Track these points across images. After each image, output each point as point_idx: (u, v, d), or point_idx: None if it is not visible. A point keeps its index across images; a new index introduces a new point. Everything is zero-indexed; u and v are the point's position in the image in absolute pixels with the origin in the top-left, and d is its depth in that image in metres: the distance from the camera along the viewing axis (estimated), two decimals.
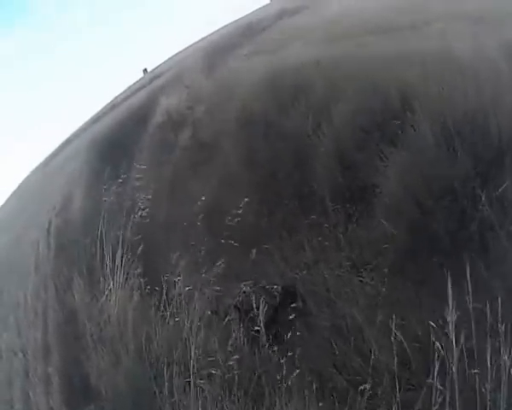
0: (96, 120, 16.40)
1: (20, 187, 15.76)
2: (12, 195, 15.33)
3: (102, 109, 17.26)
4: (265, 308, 4.56)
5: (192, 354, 4.37)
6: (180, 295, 5.00)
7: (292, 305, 5.21)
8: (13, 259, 8.87)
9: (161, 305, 5.14)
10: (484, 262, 4.53)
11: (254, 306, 4.57)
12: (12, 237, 10.06)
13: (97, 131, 13.78)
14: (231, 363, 4.37)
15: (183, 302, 4.94)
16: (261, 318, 4.43)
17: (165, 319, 4.97)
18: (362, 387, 3.97)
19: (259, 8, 18.32)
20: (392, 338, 3.89)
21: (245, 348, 4.42)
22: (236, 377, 4.28)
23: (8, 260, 9.06)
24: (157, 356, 4.62)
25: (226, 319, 4.98)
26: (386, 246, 5.45)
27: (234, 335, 4.75)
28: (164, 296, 5.14)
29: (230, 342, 4.67)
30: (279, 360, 4.52)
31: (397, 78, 6.96)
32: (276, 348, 4.73)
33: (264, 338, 4.48)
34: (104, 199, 7.61)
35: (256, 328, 4.63)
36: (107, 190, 7.89)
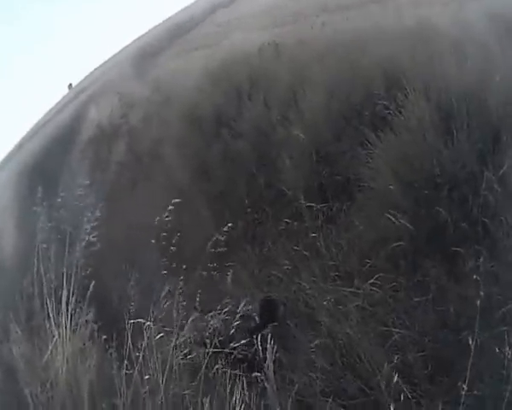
0: (19, 147, 15.35)
1: None
2: None
3: (25, 135, 16.12)
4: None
5: None
6: (150, 344, 3.83)
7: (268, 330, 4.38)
8: None
9: (125, 360, 3.87)
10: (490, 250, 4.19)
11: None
12: None
13: (22, 160, 12.91)
14: None
15: (155, 355, 3.77)
16: (269, 363, 3.40)
17: (132, 379, 3.76)
18: None
19: (186, 7, 17.48)
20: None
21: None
22: None
23: None
24: None
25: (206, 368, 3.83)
26: (377, 247, 4.81)
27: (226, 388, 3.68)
28: (127, 348, 3.93)
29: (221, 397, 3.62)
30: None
31: (375, 55, 6.49)
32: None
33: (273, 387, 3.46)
34: (39, 227, 6.51)
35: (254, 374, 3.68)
36: (42, 218, 6.80)
